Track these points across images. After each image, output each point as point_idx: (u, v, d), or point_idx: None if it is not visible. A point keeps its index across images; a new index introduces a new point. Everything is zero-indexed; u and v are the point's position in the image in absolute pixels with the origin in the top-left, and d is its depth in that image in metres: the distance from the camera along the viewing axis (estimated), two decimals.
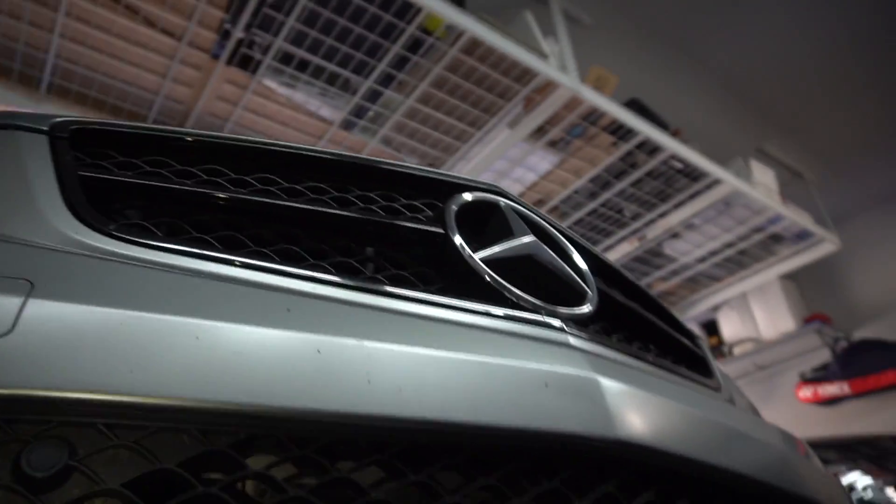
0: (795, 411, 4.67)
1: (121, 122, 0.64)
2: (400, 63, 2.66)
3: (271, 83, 2.71)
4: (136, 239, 0.49)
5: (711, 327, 5.79)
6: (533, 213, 0.76)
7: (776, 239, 4.18)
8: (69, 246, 0.47)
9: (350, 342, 0.45)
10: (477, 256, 0.62)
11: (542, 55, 2.70)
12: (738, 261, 4.36)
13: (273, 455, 0.41)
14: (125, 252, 0.48)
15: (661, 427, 0.54)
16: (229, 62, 2.53)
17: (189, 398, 0.38)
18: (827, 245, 4.14)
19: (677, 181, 3.55)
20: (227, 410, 0.39)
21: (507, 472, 0.47)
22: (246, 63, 2.59)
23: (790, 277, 4.95)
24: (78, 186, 0.52)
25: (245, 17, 2.33)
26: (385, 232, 0.64)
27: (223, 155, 0.65)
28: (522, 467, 0.48)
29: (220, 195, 0.57)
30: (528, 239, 0.66)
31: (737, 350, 5.42)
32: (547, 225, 0.75)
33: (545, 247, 0.68)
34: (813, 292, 5.28)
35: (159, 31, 2.39)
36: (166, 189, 0.57)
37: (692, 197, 3.64)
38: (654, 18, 3.61)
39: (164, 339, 0.39)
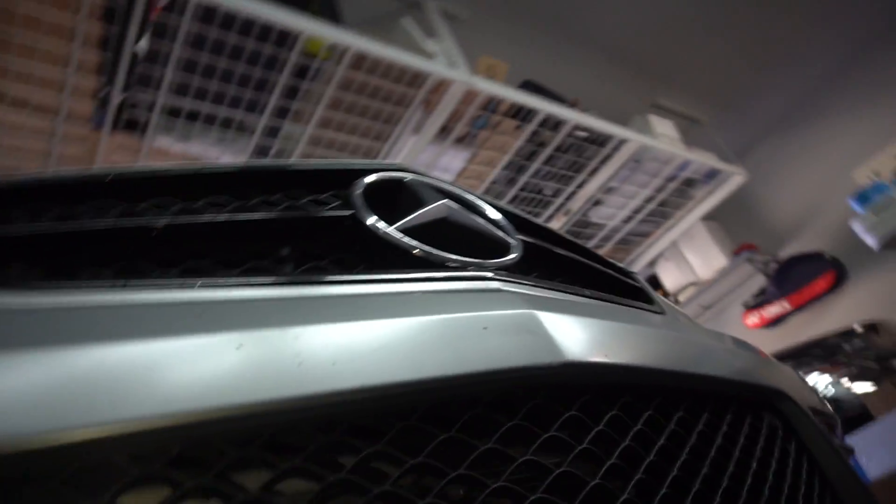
0: (748, 339, 4.86)
1: None
2: (292, 92, 2.62)
3: (164, 141, 2.61)
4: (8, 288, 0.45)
5: (654, 283, 5.97)
6: (441, 182, 0.75)
7: (689, 184, 4.37)
8: None
9: (271, 331, 0.43)
10: (391, 230, 0.60)
11: (428, 55, 2.73)
12: (660, 213, 4.54)
13: (215, 462, 0.38)
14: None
15: (609, 344, 0.54)
16: (114, 128, 2.43)
17: (97, 424, 0.35)
18: (736, 178, 4.36)
19: (586, 150, 3.66)
20: (149, 428, 0.36)
21: (466, 422, 0.46)
22: (133, 126, 2.49)
23: (711, 217, 5.17)
24: None
25: (120, 77, 2.24)
26: (294, 228, 0.62)
27: (109, 189, 0.61)
28: (481, 415, 0.47)
29: (101, 226, 0.53)
30: (439, 203, 0.65)
31: (681, 297, 5.61)
32: (457, 190, 0.75)
33: (458, 207, 0.67)
34: (735, 226, 5.53)
35: (32, 111, 2.27)
36: (41, 235, 0.53)
37: (603, 162, 3.75)
38: (528, 1, 3.72)
39: (54, 372, 0.36)
